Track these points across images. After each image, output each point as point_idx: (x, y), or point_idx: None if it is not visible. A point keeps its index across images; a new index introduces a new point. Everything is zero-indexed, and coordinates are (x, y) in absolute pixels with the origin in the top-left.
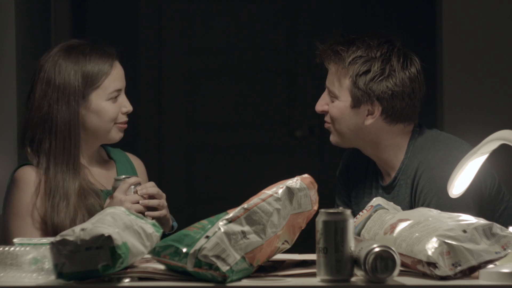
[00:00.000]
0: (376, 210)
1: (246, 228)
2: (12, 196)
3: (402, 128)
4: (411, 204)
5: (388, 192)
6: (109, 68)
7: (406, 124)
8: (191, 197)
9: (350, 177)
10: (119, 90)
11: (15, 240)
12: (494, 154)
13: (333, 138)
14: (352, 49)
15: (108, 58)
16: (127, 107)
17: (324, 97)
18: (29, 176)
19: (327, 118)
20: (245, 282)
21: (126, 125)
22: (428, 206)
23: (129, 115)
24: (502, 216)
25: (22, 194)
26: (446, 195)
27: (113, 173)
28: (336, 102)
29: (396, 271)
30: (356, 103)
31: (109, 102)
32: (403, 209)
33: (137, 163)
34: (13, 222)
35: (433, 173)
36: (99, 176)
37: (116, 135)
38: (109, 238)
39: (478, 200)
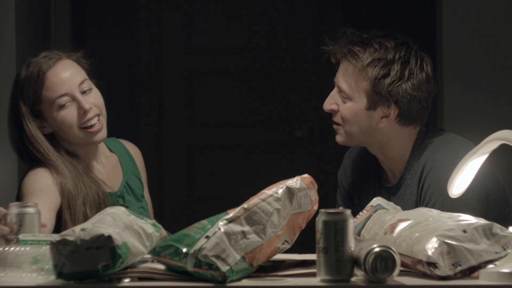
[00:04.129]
0: (376, 210)
1: (246, 228)
2: (29, 179)
3: (412, 129)
4: (417, 203)
5: (394, 192)
6: (42, 80)
7: (416, 125)
8: (191, 197)
9: (352, 179)
10: (63, 96)
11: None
12: (494, 154)
13: (340, 139)
14: (369, 51)
15: (41, 69)
16: (82, 107)
17: (334, 96)
18: (47, 173)
19: (336, 119)
20: (245, 282)
21: (96, 128)
22: (433, 206)
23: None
24: (507, 219)
25: (42, 180)
26: (451, 195)
27: (119, 172)
28: (349, 103)
29: (396, 271)
30: (372, 106)
31: (60, 111)
32: (409, 208)
33: (135, 153)
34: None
35: (439, 173)
36: (107, 177)
37: (88, 139)
38: (109, 238)
39: (484, 203)
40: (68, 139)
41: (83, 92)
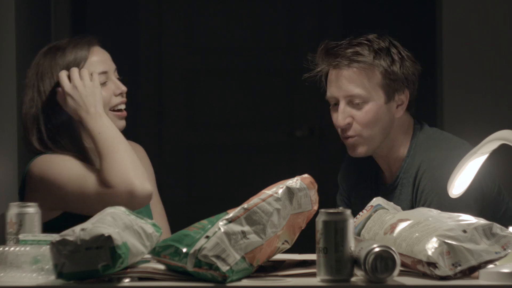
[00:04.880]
0: (376, 210)
1: (246, 228)
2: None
3: (409, 118)
4: (412, 203)
5: (391, 191)
6: (86, 54)
7: (411, 111)
8: (191, 197)
9: (351, 179)
10: (104, 74)
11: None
12: (494, 154)
13: (361, 149)
14: (364, 47)
15: (84, 45)
16: (120, 88)
17: (344, 109)
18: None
19: (352, 130)
20: (245, 282)
21: (124, 113)
22: (429, 206)
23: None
24: (503, 218)
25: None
26: (447, 195)
27: None
28: (367, 106)
29: (396, 271)
30: (391, 97)
31: None
32: (405, 208)
33: (138, 150)
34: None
35: (435, 173)
36: None
37: (116, 123)
38: (109, 238)
39: (479, 201)
40: None
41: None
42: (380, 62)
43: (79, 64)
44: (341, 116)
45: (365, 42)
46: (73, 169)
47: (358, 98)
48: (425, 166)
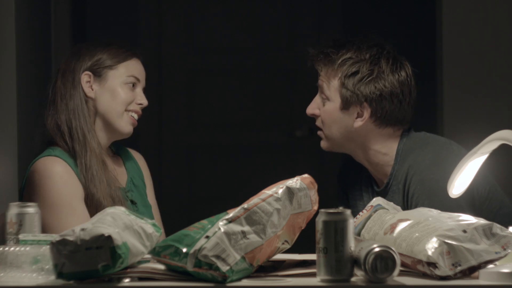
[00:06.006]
0: (376, 210)
1: (246, 228)
2: (48, 189)
3: (391, 132)
4: (403, 209)
5: (383, 197)
6: (127, 56)
7: (395, 128)
8: (191, 197)
9: (348, 180)
10: (136, 79)
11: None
12: (494, 154)
13: (323, 144)
14: (342, 51)
15: (128, 50)
16: (143, 99)
17: (316, 100)
18: (61, 167)
19: (317, 122)
20: (245, 282)
21: (136, 122)
22: None
23: None
24: (498, 216)
25: (62, 186)
26: (437, 197)
27: (123, 170)
28: (327, 105)
29: (396, 271)
30: (345, 105)
31: (125, 86)
32: None
33: (138, 157)
34: (59, 214)
35: (423, 176)
36: (115, 174)
37: (126, 126)
38: (109, 238)
39: (470, 201)
40: (107, 114)
41: None
42: (341, 70)
43: (117, 61)
44: (310, 105)
45: (349, 46)
46: (65, 198)
47: (323, 94)
48: (413, 171)
